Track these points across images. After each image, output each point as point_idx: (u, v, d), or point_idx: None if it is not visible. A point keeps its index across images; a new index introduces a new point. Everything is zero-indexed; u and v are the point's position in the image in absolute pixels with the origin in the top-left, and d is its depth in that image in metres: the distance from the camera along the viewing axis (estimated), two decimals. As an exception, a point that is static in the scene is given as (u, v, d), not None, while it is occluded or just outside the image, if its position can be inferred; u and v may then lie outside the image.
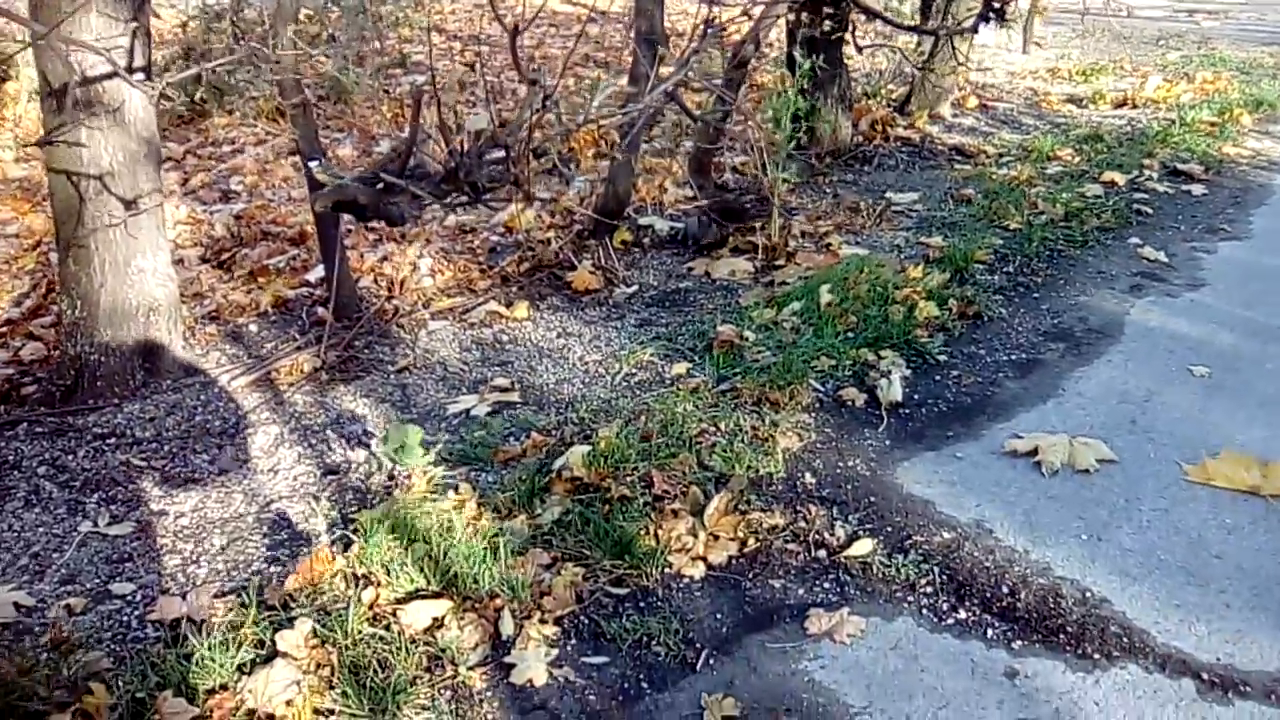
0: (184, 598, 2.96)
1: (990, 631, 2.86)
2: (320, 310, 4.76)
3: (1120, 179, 6.55)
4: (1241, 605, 2.94)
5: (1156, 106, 8.73)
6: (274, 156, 7.57)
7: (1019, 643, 2.82)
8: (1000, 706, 2.61)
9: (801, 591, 3.00)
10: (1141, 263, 5.38)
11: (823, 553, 3.14)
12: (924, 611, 2.93)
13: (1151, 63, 10.65)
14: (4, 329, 4.86)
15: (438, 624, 2.76)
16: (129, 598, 3.03)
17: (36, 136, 7.32)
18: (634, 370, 4.24)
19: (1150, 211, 6.12)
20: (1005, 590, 3.00)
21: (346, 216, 5.85)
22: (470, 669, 2.66)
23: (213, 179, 7.09)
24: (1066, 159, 7.04)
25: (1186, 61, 10.68)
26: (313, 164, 3.97)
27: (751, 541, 3.16)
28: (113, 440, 3.85)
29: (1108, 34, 12.65)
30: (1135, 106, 8.78)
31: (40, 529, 3.36)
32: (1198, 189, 6.58)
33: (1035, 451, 3.62)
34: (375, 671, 2.60)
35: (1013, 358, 4.36)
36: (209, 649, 2.63)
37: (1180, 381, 4.14)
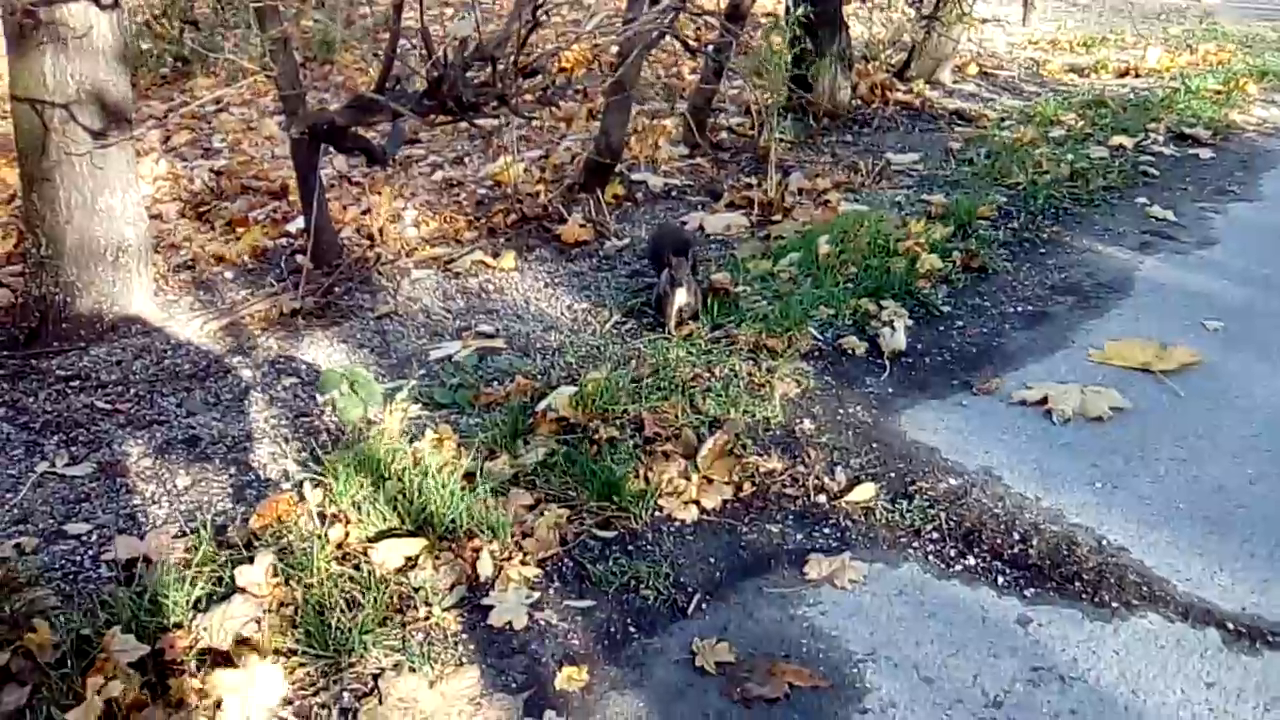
0: (142, 537, 2.77)
1: (1001, 579, 2.68)
2: (299, 258, 4.56)
3: (1126, 142, 6.36)
4: (1267, 555, 2.77)
5: (1159, 76, 8.55)
6: (259, 115, 7.37)
7: (1031, 590, 2.64)
8: (1014, 654, 2.43)
9: (800, 536, 2.82)
10: (1150, 221, 5.20)
11: (822, 498, 2.97)
12: (930, 558, 2.75)
13: (1153, 36, 10.48)
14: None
15: (411, 564, 2.58)
16: (84, 538, 2.85)
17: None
18: (624, 319, 4.05)
19: (1157, 173, 5.94)
20: (1016, 537, 2.82)
21: (331, 168, 5.66)
22: (445, 610, 2.48)
23: (195, 137, 6.89)
24: (1070, 123, 6.86)
25: (1189, 35, 10.50)
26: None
27: (747, 486, 2.99)
28: (76, 383, 3.66)
29: (1109, 8, 12.46)
30: (1138, 76, 8.60)
31: (-6, 470, 3.17)
32: (1205, 153, 6.40)
33: (1045, 400, 3.45)
34: (342, 611, 2.42)
35: (1019, 310, 4.18)
36: (163, 586, 2.44)
37: (1194, 334, 3.96)
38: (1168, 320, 4.08)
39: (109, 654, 2.25)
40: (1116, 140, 6.37)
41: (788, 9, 6.18)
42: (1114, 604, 2.60)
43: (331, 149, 3.97)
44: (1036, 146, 6.16)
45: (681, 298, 3.79)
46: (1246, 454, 3.21)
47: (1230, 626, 2.52)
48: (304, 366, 3.74)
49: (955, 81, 8.12)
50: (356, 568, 2.55)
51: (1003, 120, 7.00)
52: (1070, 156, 5.90)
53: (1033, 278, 4.48)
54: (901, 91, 7.56)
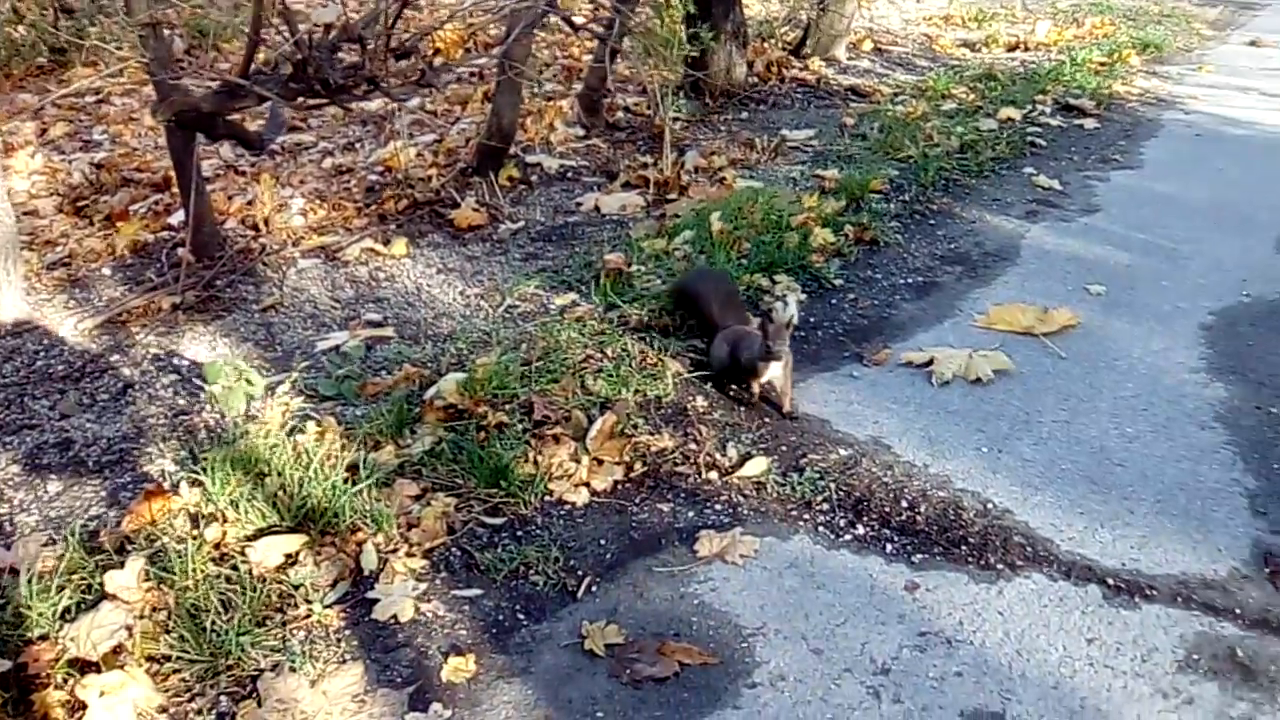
0: (8, 547, 2.64)
1: (890, 546, 2.71)
2: (180, 251, 4.41)
3: (1015, 114, 6.49)
4: (1146, 512, 2.84)
5: (1048, 49, 8.74)
6: (141, 106, 7.10)
7: (919, 556, 2.68)
8: (901, 620, 2.46)
9: (691, 514, 2.81)
10: (1036, 190, 5.31)
11: (714, 474, 2.96)
12: (820, 529, 2.77)
13: (1042, 10, 10.70)
14: None
15: (291, 561, 2.51)
16: (-55, 550, 2.71)
17: None
18: (517, 303, 4.00)
19: (1044, 144, 6.07)
20: (904, 505, 2.86)
21: (217, 157, 5.49)
22: (327, 607, 2.42)
23: (74, 129, 6.62)
24: (961, 96, 6.97)
25: (1076, 9, 10.75)
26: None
27: (638, 465, 2.97)
28: (-60, 388, 3.49)
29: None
30: (1027, 49, 8.78)
31: None
32: (1090, 123, 6.57)
33: (931, 362, 3.50)
34: (218, 613, 2.34)
35: (909, 281, 4.23)
36: (27, 596, 2.33)
37: (1078, 299, 4.06)
38: (1052, 286, 4.17)
39: (-33, 671, 2.14)
40: (1005, 113, 6.49)
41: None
42: (999, 566, 2.64)
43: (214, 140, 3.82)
44: (928, 120, 6.24)
45: (775, 372, 3.20)
46: (1125, 414, 3.29)
47: (1110, 583, 2.58)
48: (185, 363, 3.61)
49: (850, 58, 8.19)
50: (234, 568, 2.47)
51: (896, 95, 7.08)
52: (960, 129, 5.99)
53: (923, 249, 4.54)
54: (797, 69, 7.60)
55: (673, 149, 5.41)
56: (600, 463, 2.93)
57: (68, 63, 7.86)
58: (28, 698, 2.13)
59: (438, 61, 5.53)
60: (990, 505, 2.86)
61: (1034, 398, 3.38)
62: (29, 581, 2.38)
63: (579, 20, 4.91)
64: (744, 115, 6.61)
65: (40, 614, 2.30)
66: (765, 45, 7.89)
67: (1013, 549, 2.70)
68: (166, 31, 4.26)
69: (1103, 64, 7.91)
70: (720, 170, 5.46)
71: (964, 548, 2.70)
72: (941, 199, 5.12)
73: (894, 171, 5.37)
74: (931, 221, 4.85)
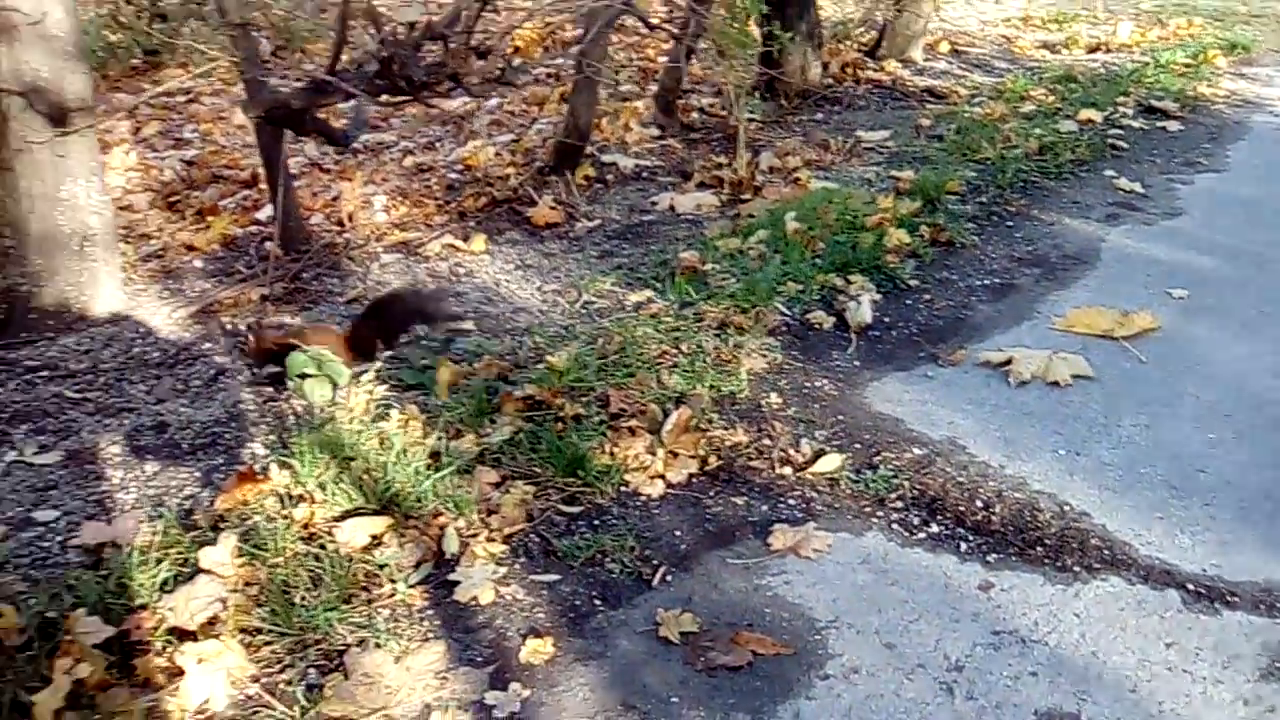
0: (109, 523, 2.77)
1: (964, 545, 2.71)
2: (268, 245, 4.55)
3: (1095, 116, 6.39)
4: (1228, 518, 2.81)
5: (1130, 51, 8.58)
6: (230, 105, 7.32)
7: (994, 556, 2.68)
8: (975, 619, 2.46)
9: (765, 508, 2.84)
10: (1117, 194, 5.24)
11: (788, 469, 2.99)
12: (894, 526, 2.78)
13: (1124, 11, 10.50)
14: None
15: (376, 541, 2.59)
16: (52, 524, 2.84)
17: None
18: (594, 299, 4.06)
19: (1125, 146, 5.98)
20: (979, 505, 2.85)
21: (303, 155, 5.64)
22: (410, 587, 2.49)
23: (166, 127, 6.85)
24: (1040, 98, 6.88)
25: (1160, 10, 10.54)
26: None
27: (713, 459, 3.00)
28: (45, 373, 3.64)
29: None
30: (1109, 51, 8.63)
31: (-39, 461, 3.16)
32: (1173, 125, 6.44)
33: (1009, 363, 3.48)
34: (307, 589, 2.43)
35: (986, 283, 4.21)
36: (129, 568, 2.44)
37: (1159, 303, 4.00)
38: (1133, 290, 4.12)
39: (74, 636, 2.25)
40: (1085, 114, 6.40)
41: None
42: (1076, 568, 2.63)
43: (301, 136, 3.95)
44: (1006, 122, 6.18)
45: None
46: (1207, 419, 3.25)
47: (1190, 588, 2.56)
48: (273, 352, 3.73)
49: (927, 59, 8.13)
50: (322, 547, 2.56)
51: (973, 96, 7.02)
52: (1039, 131, 5.93)
53: (1000, 251, 4.51)
54: (873, 70, 7.57)
55: (747, 149, 5.43)
56: (675, 456, 2.97)
57: (160, 64, 8.13)
58: (130, 662, 2.24)
59: (516, 61, 5.62)
60: (1067, 507, 2.84)
61: (1113, 401, 3.34)
62: (130, 555, 2.49)
63: (654, 21, 4.95)
64: (818, 116, 6.61)
65: (140, 585, 2.41)
66: (840, 46, 7.87)
67: (1090, 552, 2.68)
68: (255, 33, 4.40)
69: (1187, 65, 7.75)
70: (795, 171, 5.47)
71: (1040, 549, 2.70)
72: (1019, 201, 5.08)
73: (971, 173, 5.33)
74: (1009, 223, 4.81)
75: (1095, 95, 6.90)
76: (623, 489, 2.89)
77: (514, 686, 2.25)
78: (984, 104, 6.69)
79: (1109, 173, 5.51)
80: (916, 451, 3.08)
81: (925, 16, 7.92)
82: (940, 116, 6.50)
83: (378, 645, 2.33)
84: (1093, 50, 8.70)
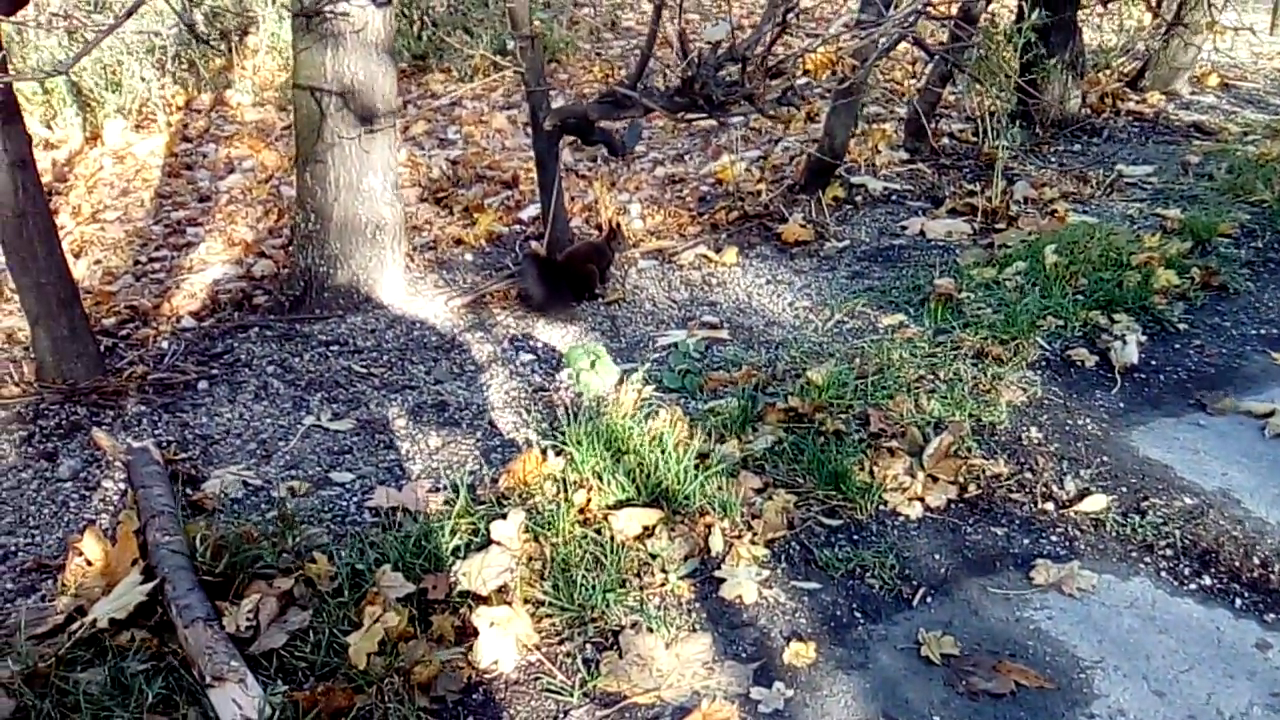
0: (400, 489, 3.03)
1: (1239, 601, 2.62)
2: (533, 244, 4.83)
3: (1388, 162, 5.93)
4: None
5: None
6: (489, 109, 7.76)
7: (1271, 616, 2.57)
8: (1251, 677, 2.38)
9: (1026, 541, 2.83)
10: None
11: (1050, 505, 2.96)
12: (1163, 574, 2.71)
13: None
14: (240, 247, 5.14)
15: (648, 533, 2.73)
16: (348, 486, 3.13)
17: (272, 84, 7.74)
18: (845, 319, 4.11)
19: None
20: (1256, 561, 2.74)
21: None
22: (680, 579, 2.62)
23: (431, 127, 7.32)
24: (1323, 140, 6.44)
25: None
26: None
27: (972, 487, 3.00)
28: (336, 347, 4.00)
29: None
30: (1403, 92, 7.98)
31: (268, 420, 3.52)
32: None
33: (1272, 414, 3.31)
34: (586, 569, 2.59)
35: (1262, 332, 4.00)
36: (430, 533, 2.67)
37: None
38: None
39: (380, 589, 2.49)
40: (1377, 160, 5.95)
41: (1021, 13, 6.06)
42: (1364, 637, 2.50)
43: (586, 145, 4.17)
44: (1284, 163, 5.82)
45: None
46: None
47: None
48: (540, 345, 3.97)
49: (1193, 92, 7.74)
50: (598, 532, 2.72)
51: (1246, 134, 6.64)
52: (1323, 175, 5.56)
53: (1277, 299, 4.27)
54: (1134, 101, 7.27)
55: (1002, 178, 5.34)
56: (934, 480, 2.99)
57: (426, 68, 8.69)
58: (428, 618, 2.45)
59: (800, 81, 5.74)
60: (1354, 574, 2.70)
61: None
62: (428, 521, 2.73)
63: (932, 48, 4.95)
64: (1075, 148, 6.42)
65: (438, 548, 2.64)
66: (1100, 76, 7.59)
67: (1382, 622, 2.54)
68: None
69: None
70: (1051, 203, 5.34)
71: (1324, 614, 2.57)
72: (1299, 248, 4.79)
73: (1245, 215, 5.06)
74: (1288, 272, 4.56)
75: (1388, 139, 6.39)
76: (881, 507, 2.93)
77: (778, 685, 2.33)
78: (1259, 143, 6.32)
79: (1405, 224, 5.11)
80: (1188, 501, 2.98)
81: (1198, 46, 7.53)
82: (1209, 154, 6.18)
83: (650, 630, 2.46)
84: (1383, 90, 8.06)
